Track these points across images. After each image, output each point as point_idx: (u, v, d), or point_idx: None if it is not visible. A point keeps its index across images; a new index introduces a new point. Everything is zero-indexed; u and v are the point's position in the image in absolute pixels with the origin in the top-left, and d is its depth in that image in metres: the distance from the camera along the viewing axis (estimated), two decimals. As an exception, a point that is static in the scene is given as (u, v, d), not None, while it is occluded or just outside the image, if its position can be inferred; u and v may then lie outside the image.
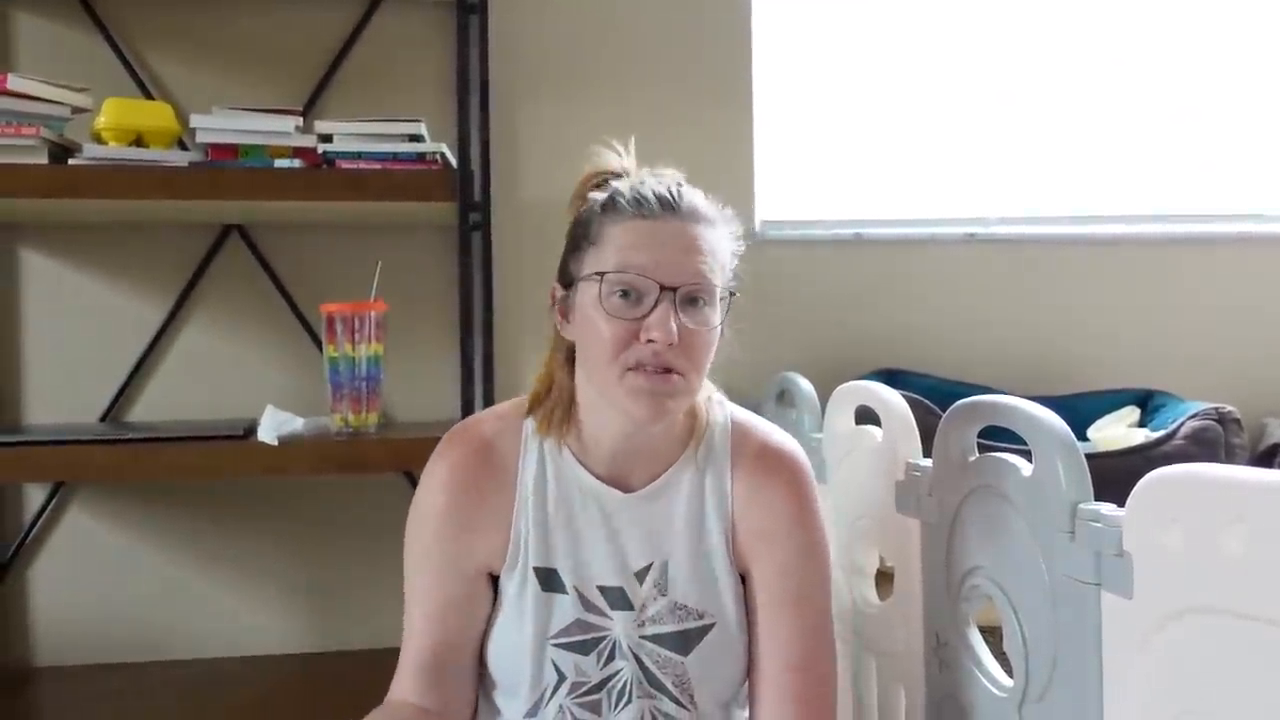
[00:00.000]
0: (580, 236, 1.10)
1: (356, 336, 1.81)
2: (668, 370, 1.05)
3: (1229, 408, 1.84)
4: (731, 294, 1.10)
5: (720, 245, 1.09)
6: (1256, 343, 2.34)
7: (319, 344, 1.95)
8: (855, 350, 2.20)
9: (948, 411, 1.24)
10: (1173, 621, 0.88)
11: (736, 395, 1.24)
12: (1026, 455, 1.08)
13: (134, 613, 2.07)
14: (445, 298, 2.08)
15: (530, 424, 1.15)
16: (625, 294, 1.05)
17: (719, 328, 1.09)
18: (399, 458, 1.76)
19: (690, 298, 1.06)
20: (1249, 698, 0.81)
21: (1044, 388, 2.16)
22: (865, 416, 1.50)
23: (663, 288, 1.04)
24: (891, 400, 1.42)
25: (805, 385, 1.76)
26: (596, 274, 1.05)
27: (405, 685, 1.12)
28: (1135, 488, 0.92)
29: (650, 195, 1.07)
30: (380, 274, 1.86)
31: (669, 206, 1.06)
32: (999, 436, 1.22)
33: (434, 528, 1.12)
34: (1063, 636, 1.03)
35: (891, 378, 2.04)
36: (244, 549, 2.10)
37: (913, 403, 1.41)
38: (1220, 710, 0.83)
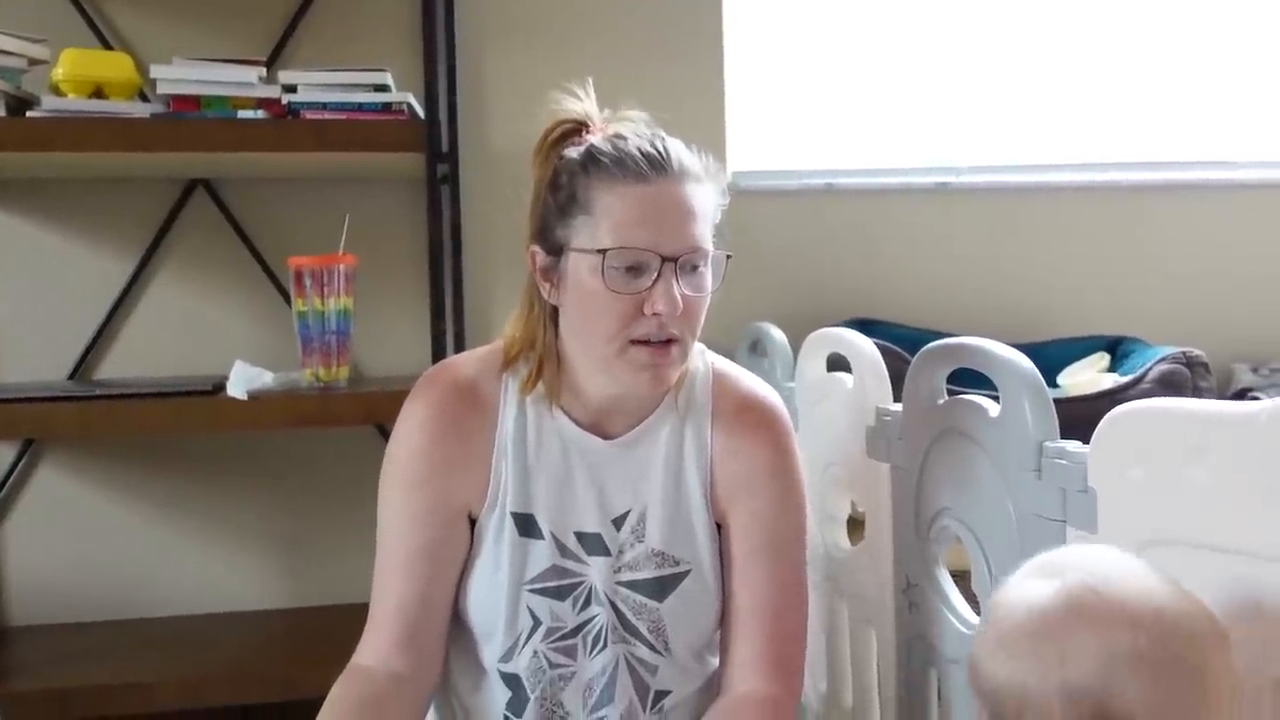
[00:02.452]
0: (567, 200, 1.07)
1: (325, 290, 1.79)
2: (668, 341, 1.05)
3: (1196, 352, 1.85)
4: (727, 256, 1.09)
5: (710, 203, 1.08)
6: (1225, 289, 2.36)
7: (287, 298, 1.93)
8: (828, 300, 2.20)
9: (917, 354, 1.24)
10: (1139, 555, 0.89)
11: (709, 346, 1.24)
12: (995, 399, 1.09)
13: (106, 571, 2.07)
14: (414, 250, 2.07)
15: (510, 376, 1.14)
16: (629, 269, 1.03)
17: (715, 290, 1.09)
18: (370, 411, 1.75)
19: (690, 265, 1.05)
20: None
21: (1015, 335, 2.16)
22: (837, 364, 1.50)
23: (664, 259, 1.03)
24: (862, 346, 1.42)
25: (778, 335, 1.76)
26: (598, 250, 1.03)
27: (376, 645, 1.10)
28: (1100, 424, 0.93)
29: (637, 154, 1.04)
30: (348, 227, 1.84)
31: (659, 167, 1.04)
32: (968, 383, 1.22)
33: (413, 470, 1.11)
34: (1029, 574, 1.03)
35: (864, 327, 2.03)
36: (216, 505, 2.09)
37: (884, 350, 1.42)
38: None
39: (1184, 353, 1.85)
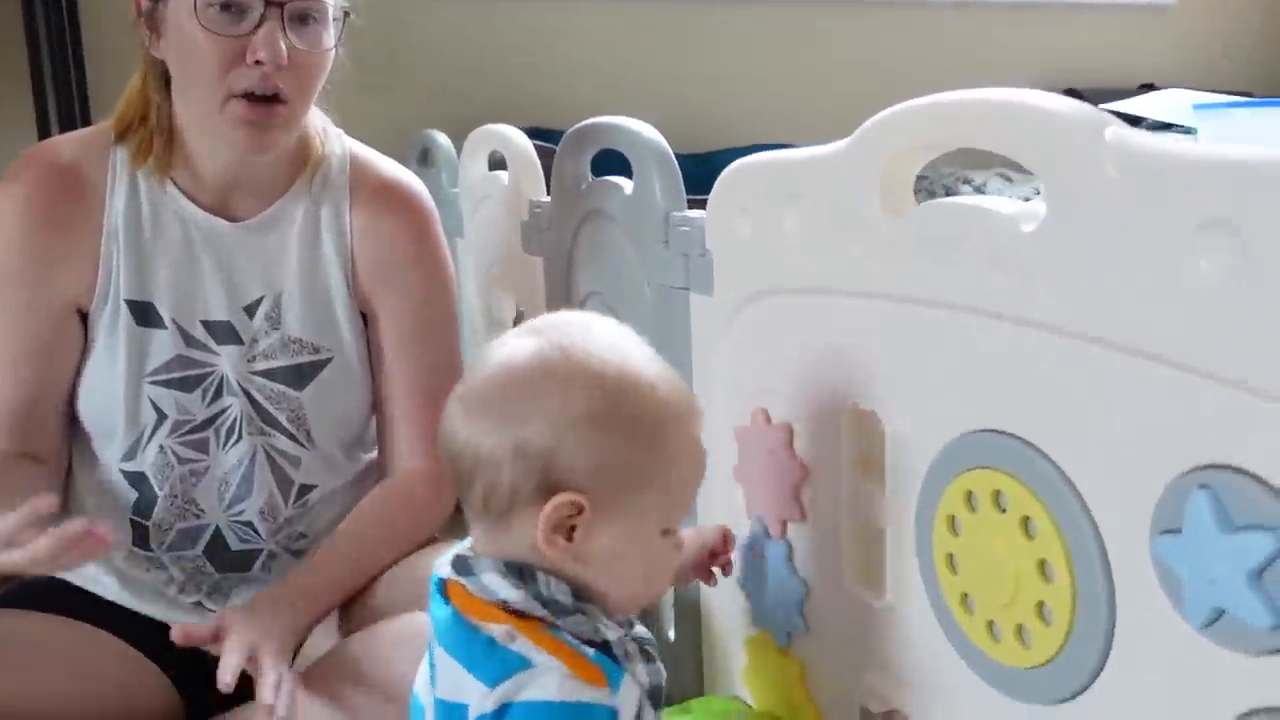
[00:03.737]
0: None
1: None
2: (274, 99, 0.97)
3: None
4: (346, 14, 1.02)
5: None
6: (893, 99, 2.47)
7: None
8: (503, 109, 2.14)
9: (561, 140, 1.22)
10: (744, 310, 0.92)
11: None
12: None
13: None
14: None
15: (121, 153, 1.03)
16: (225, 7, 0.94)
17: (333, 50, 1.01)
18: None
19: (299, 15, 0.97)
20: (812, 372, 0.86)
21: (694, 145, 2.20)
22: (500, 166, 1.46)
23: (268, 3, 0.95)
24: (515, 139, 1.39)
25: (443, 140, 1.70)
26: None
27: None
28: (714, 186, 0.94)
29: None
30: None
31: None
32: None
33: (6, 266, 1.01)
34: (663, 346, 1.05)
35: (540, 137, 2.00)
36: None
37: (547, 152, 1.38)
38: (790, 385, 0.88)
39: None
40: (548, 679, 0.63)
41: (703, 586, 1.05)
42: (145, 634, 1.06)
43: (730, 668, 1.03)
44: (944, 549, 0.73)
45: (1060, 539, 0.64)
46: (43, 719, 0.94)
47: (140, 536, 1.06)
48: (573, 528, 0.65)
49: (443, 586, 0.69)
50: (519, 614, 0.66)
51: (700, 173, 1.08)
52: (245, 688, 1.06)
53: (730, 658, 1.03)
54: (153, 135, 1.02)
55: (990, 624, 0.70)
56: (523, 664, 0.64)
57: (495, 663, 0.64)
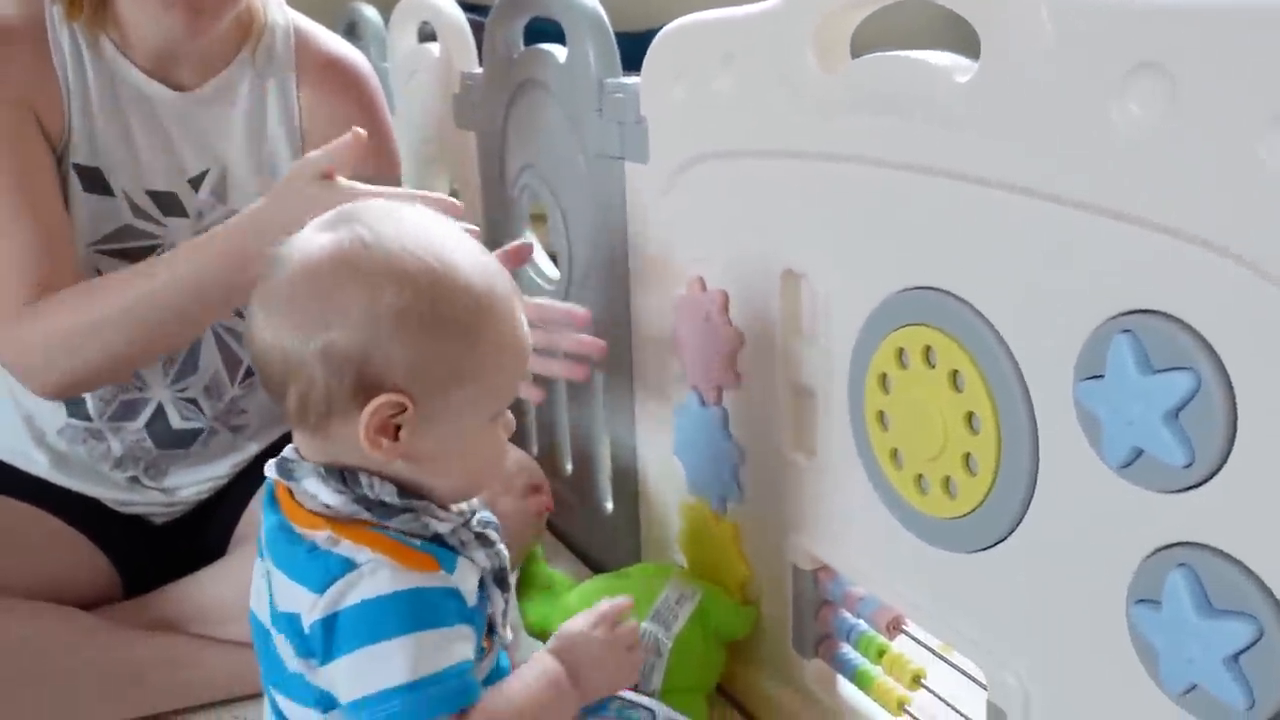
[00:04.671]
0: None
1: None
2: None
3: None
4: None
5: None
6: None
7: None
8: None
9: (493, 9, 1.18)
10: (679, 177, 0.91)
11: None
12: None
13: None
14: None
15: (56, 9, 0.98)
16: None
17: None
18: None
19: None
20: (745, 237, 0.86)
21: (629, 23, 2.15)
22: (431, 38, 1.42)
23: None
24: (444, 8, 1.35)
25: (370, 12, 1.65)
26: None
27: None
28: (648, 50, 0.92)
29: None
30: None
31: None
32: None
33: None
34: (599, 217, 1.04)
35: (470, 10, 1.94)
36: None
37: (478, 26, 1.34)
38: (724, 251, 0.88)
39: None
40: (377, 575, 0.60)
41: (640, 456, 1.07)
42: (80, 511, 1.05)
43: (666, 536, 1.05)
44: (875, 406, 0.74)
45: (987, 391, 0.65)
46: None
47: (79, 406, 1.03)
48: (398, 427, 0.61)
49: (274, 490, 0.66)
50: (342, 520, 0.62)
51: (636, 51, 1.05)
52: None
53: (667, 526, 1.05)
54: None
55: (919, 477, 0.72)
56: (346, 566, 0.60)
57: (318, 568, 0.60)
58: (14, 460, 1.05)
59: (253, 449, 1.12)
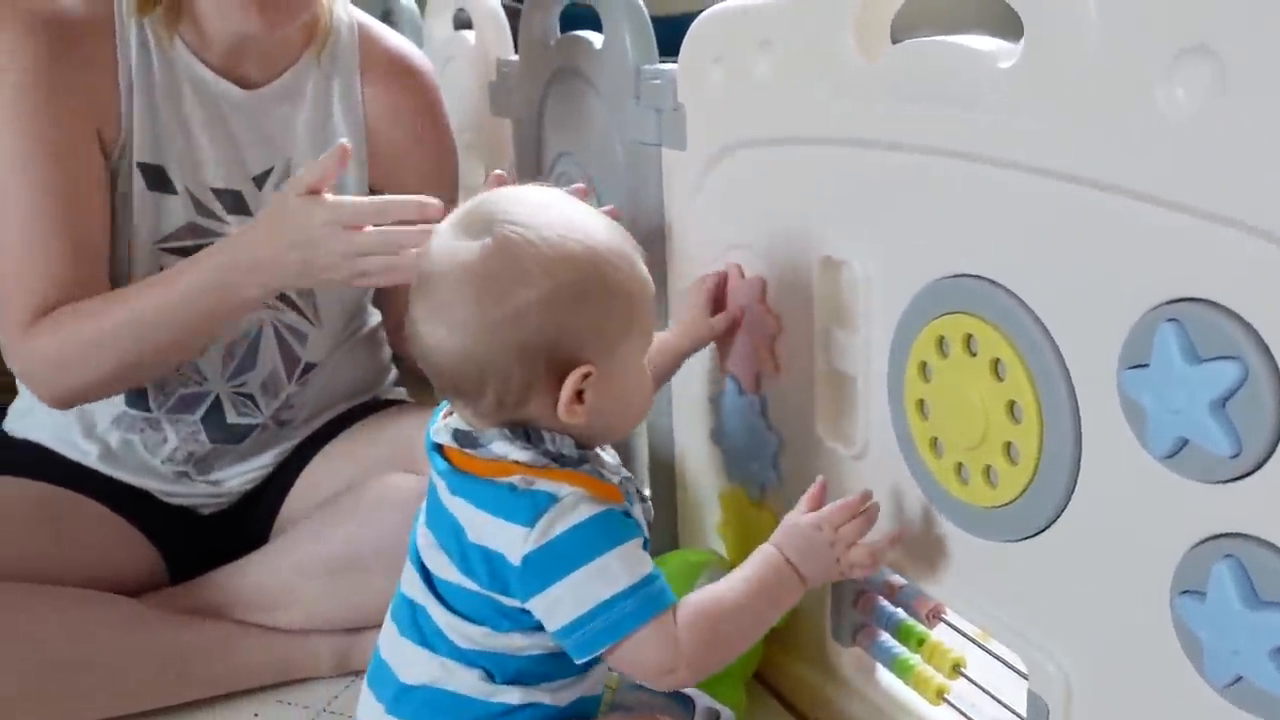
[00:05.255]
0: None
1: None
2: None
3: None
4: None
5: None
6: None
7: None
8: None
9: (528, -3, 1.18)
10: (717, 164, 0.91)
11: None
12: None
13: None
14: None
15: (126, 2, 0.98)
16: None
17: None
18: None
19: None
20: (785, 224, 0.85)
21: (664, 8, 2.14)
22: (466, 25, 1.42)
23: None
24: (481, -3, 1.34)
25: (406, 0, 1.64)
26: None
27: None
28: (685, 37, 0.91)
29: None
30: None
31: None
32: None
33: (30, 103, 0.93)
34: (636, 204, 1.04)
35: (508, 1, 1.94)
36: None
37: (514, 12, 1.34)
38: (763, 238, 0.88)
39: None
40: (580, 505, 0.66)
41: (678, 444, 1.06)
42: (128, 500, 1.07)
43: (704, 523, 1.05)
44: (915, 395, 0.74)
45: (1030, 380, 0.64)
46: (25, 580, 0.95)
47: (139, 396, 1.04)
48: (581, 391, 0.67)
49: (438, 449, 0.71)
50: (535, 467, 0.68)
51: (672, 36, 1.05)
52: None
53: (704, 513, 1.05)
54: None
55: (959, 466, 0.71)
56: (550, 499, 0.66)
57: (525, 504, 0.66)
58: (63, 450, 1.07)
59: (295, 440, 1.13)
